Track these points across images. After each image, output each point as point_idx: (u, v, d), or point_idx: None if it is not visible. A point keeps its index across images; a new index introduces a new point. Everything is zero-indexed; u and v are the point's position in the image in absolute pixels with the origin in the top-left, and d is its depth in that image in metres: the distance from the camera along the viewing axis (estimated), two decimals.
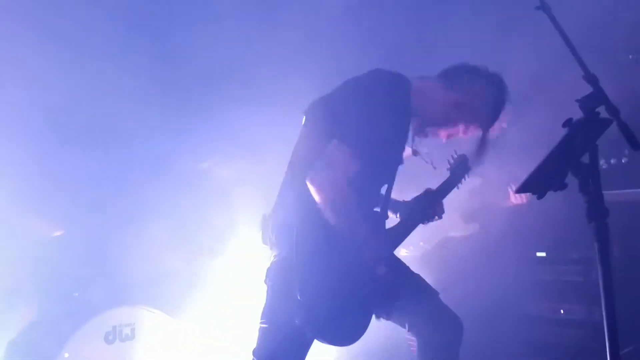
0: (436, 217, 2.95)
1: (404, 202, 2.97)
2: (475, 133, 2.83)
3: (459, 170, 3.02)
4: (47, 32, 3.36)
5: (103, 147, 3.64)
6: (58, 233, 3.59)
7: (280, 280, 2.62)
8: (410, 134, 2.77)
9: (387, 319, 2.66)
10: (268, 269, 2.68)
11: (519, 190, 2.13)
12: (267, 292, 2.66)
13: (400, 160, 2.75)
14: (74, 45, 3.47)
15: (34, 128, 3.33)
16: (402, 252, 4.03)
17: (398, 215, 2.95)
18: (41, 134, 3.33)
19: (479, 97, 2.77)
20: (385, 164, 2.72)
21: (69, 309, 3.56)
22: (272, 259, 2.70)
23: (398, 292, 2.61)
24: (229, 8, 3.74)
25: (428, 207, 2.92)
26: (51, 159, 3.44)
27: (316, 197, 2.54)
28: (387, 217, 2.83)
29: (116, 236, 3.62)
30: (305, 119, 2.76)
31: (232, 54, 3.79)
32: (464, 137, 2.85)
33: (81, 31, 3.52)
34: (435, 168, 2.89)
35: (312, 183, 2.55)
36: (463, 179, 3.03)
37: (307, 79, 3.28)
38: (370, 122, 2.58)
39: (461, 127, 2.81)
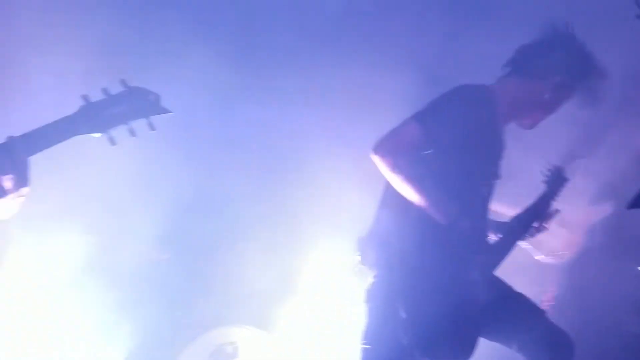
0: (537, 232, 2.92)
1: (503, 222, 2.93)
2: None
3: (556, 182, 2.97)
4: None
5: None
6: (165, 256, 3.72)
7: (382, 300, 2.63)
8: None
9: (493, 339, 2.63)
10: (368, 290, 2.71)
11: (630, 206, 2.06)
12: (368, 312, 2.68)
13: (496, 175, 2.73)
14: None
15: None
16: None
17: (497, 235, 2.92)
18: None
19: (564, 70, 2.68)
20: (477, 175, 2.67)
21: (174, 329, 3.68)
22: (371, 279, 2.72)
23: (497, 309, 2.59)
24: None
25: (529, 222, 2.89)
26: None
27: (379, 165, 2.53)
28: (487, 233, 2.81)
29: (217, 255, 3.72)
30: None
31: None
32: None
33: None
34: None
35: (376, 150, 2.54)
36: (559, 191, 2.98)
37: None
38: (456, 128, 2.57)
39: (560, 104, 2.77)
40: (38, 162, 1.98)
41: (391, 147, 2.52)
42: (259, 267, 3.73)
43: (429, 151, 2.55)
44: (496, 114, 2.67)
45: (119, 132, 2.01)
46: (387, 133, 2.55)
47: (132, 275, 3.60)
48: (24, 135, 1.95)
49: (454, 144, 2.56)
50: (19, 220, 2.14)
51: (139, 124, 2.01)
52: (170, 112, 2.03)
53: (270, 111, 3.76)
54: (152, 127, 2.02)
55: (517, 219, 2.91)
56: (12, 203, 2.01)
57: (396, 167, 2.51)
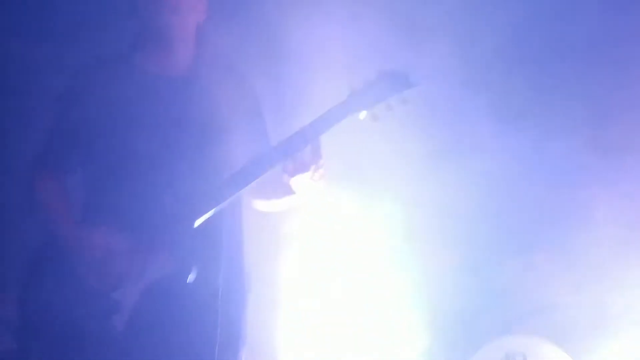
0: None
1: None
2: None
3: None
4: None
5: None
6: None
7: None
8: None
9: None
10: None
11: None
12: None
13: None
14: None
15: None
16: None
17: None
18: None
19: None
20: None
21: (464, 332, 3.72)
22: None
23: None
24: None
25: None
26: None
27: None
28: None
29: (507, 266, 3.69)
30: None
31: None
32: None
33: None
34: None
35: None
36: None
37: None
38: None
39: None
40: None
41: None
42: (550, 277, 3.62)
43: None
44: None
45: (379, 109, 2.37)
46: None
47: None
48: (311, 122, 2.36)
49: None
50: None
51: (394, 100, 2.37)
52: (420, 85, 2.37)
53: None
54: (405, 101, 2.36)
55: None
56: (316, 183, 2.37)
57: None
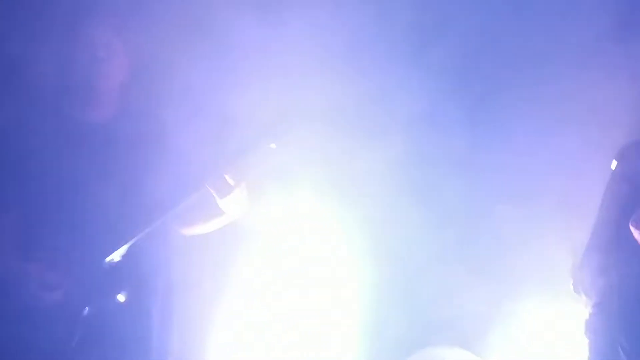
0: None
1: None
2: None
3: None
4: None
5: None
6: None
7: (603, 335, 2.53)
8: None
9: None
10: (587, 321, 2.61)
11: None
12: (589, 346, 2.58)
13: None
14: None
15: None
16: None
17: None
18: None
19: None
20: None
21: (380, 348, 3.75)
22: (589, 309, 2.63)
23: None
24: None
25: None
26: None
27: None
28: None
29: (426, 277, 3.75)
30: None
31: None
32: None
33: None
34: None
35: (636, 226, 2.43)
36: None
37: None
38: None
39: None
40: None
41: None
42: (466, 289, 3.71)
43: None
44: None
45: None
46: None
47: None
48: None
49: None
50: None
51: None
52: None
53: None
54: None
55: None
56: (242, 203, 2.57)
57: None
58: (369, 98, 3.36)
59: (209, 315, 3.42)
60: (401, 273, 3.70)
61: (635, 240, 2.37)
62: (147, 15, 2.84)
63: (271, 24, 3.20)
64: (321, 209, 3.54)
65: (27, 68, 2.86)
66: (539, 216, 3.60)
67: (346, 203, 3.54)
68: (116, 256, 2.45)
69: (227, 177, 2.54)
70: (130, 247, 2.47)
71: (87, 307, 2.43)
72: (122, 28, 2.67)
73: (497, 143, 3.57)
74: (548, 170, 3.41)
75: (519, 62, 3.53)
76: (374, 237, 3.62)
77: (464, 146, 3.60)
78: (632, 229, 2.38)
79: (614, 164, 2.61)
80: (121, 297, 2.47)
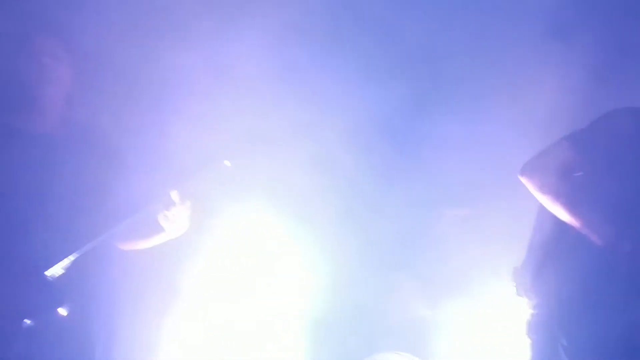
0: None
1: None
2: None
3: None
4: None
5: None
6: None
7: (544, 335, 2.57)
8: None
9: None
10: (528, 322, 2.65)
11: None
12: (531, 346, 2.62)
13: None
14: None
15: None
16: None
17: None
18: None
19: None
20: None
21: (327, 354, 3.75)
22: (531, 310, 2.67)
23: None
24: None
25: None
26: None
27: (528, 187, 2.51)
28: None
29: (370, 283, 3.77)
30: None
31: None
32: None
33: None
34: None
35: (523, 171, 2.54)
36: None
37: None
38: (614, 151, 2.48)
39: None
40: None
41: (539, 167, 2.50)
42: (410, 294, 3.74)
43: (580, 173, 2.49)
44: None
45: None
46: (536, 154, 2.53)
47: None
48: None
49: (610, 166, 2.48)
50: None
51: None
52: None
53: None
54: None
55: None
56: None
57: (544, 187, 2.48)
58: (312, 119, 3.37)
59: (154, 329, 3.38)
60: (345, 280, 3.71)
61: (573, 238, 2.42)
62: (92, 23, 2.82)
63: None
64: (267, 221, 3.54)
65: None
66: (480, 219, 3.67)
67: (291, 213, 3.54)
68: (58, 269, 2.41)
69: (172, 194, 2.58)
70: (73, 260, 2.44)
71: (26, 320, 2.38)
72: (66, 36, 2.65)
73: (432, 148, 3.63)
74: (487, 173, 3.46)
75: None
76: (318, 245, 3.62)
77: (403, 152, 3.64)
78: (521, 178, 2.48)
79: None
80: (63, 311, 2.43)
